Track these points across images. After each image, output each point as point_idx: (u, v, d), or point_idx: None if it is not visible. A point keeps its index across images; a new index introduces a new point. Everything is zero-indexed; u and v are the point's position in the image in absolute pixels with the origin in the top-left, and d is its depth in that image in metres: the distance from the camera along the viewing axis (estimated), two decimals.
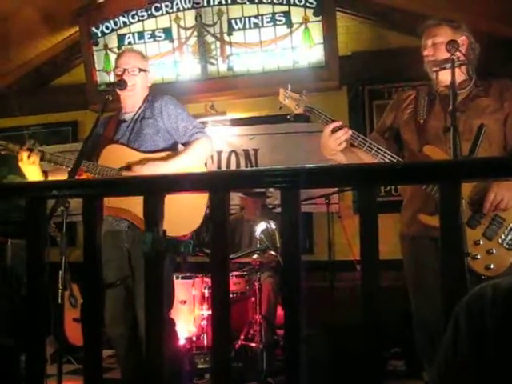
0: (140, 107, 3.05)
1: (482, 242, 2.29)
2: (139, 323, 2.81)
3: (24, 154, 2.79)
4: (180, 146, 3.09)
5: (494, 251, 2.27)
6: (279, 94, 2.59)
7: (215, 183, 1.16)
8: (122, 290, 2.88)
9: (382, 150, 2.38)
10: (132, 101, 3.04)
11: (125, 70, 2.97)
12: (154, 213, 1.15)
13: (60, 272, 2.71)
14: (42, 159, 2.82)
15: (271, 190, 1.26)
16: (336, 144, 2.41)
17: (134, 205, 2.68)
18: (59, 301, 2.79)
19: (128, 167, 2.85)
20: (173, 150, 3.02)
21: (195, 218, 2.92)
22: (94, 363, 1.30)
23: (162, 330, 1.27)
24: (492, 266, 2.26)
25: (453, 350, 0.87)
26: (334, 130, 2.40)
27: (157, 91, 3.23)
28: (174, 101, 3.06)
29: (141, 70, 3.01)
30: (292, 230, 1.16)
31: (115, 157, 2.88)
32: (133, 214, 2.77)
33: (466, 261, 1.73)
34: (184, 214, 2.75)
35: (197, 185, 1.22)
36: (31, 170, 2.83)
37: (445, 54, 2.37)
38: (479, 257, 2.27)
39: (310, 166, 1.13)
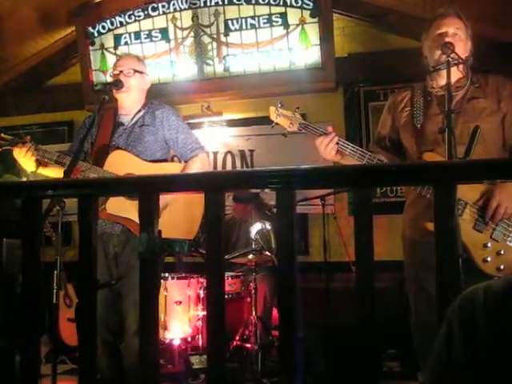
0: (139, 111, 3.06)
1: (490, 245, 2.28)
2: (126, 328, 2.80)
3: (17, 150, 2.81)
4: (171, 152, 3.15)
5: (503, 252, 2.27)
6: (270, 112, 2.56)
7: (210, 183, 1.16)
8: (109, 293, 2.83)
9: (375, 158, 2.38)
10: (128, 102, 3.04)
11: (120, 71, 3.00)
12: (149, 212, 1.15)
13: (55, 272, 2.70)
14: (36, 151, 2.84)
15: (266, 190, 1.26)
16: (328, 152, 2.43)
17: (135, 213, 2.69)
18: (54, 301, 2.78)
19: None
20: (167, 160, 3.08)
21: (194, 224, 2.95)
22: (89, 363, 1.30)
23: (155, 328, 1.27)
24: (502, 267, 2.26)
25: (447, 354, 0.86)
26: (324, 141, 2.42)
27: (153, 91, 3.24)
28: (175, 112, 3.12)
29: (136, 71, 3.03)
30: (287, 230, 1.16)
31: (120, 163, 2.87)
32: (133, 222, 2.76)
33: (460, 261, 1.73)
34: (183, 219, 2.78)
35: (192, 185, 1.23)
36: (26, 161, 2.85)
37: (460, 51, 2.36)
38: (489, 259, 2.27)
39: (306, 167, 1.13)
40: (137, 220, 2.70)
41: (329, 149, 2.41)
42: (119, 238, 2.87)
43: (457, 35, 2.42)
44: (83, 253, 1.26)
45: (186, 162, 3.08)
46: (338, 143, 2.41)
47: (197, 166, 3.02)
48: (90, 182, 1.54)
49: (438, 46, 2.39)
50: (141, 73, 3.07)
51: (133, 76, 3.02)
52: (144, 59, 5.42)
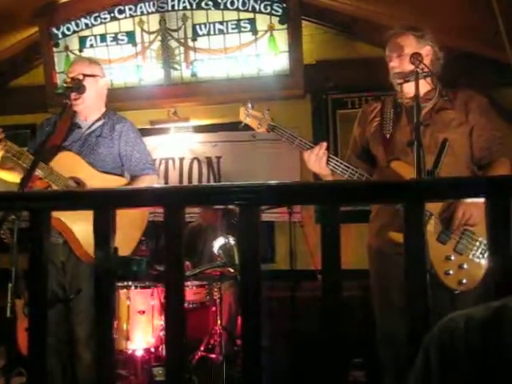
0: (98, 119, 3.00)
1: (453, 258, 2.27)
2: (77, 340, 2.78)
3: None
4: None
5: (466, 266, 2.26)
6: (240, 112, 2.54)
7: (170, 199, 1.11)
8: (59, 304, 2.77)
9: (357, 172, 2.35)
10: (83, 107, 2.96)
11: (72, 78, 2.91)
12: (104, 229, 1.09)
13: (9, 284, 2.59)
14: None
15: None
16: (318, 164, 2.39)
17: (78, 222, 2.69)
18: (8, 314, 2.67)
19: (79, 180, 2.84)
20: (117, 174, 3.00)
21: (134, 237, 2.93)
22: (40, 375, 1.23)
23: (111, 346, 1.22)
24: (464, 281, 2.25)
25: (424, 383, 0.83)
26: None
27: (119, 96, 3.17)
28: (135, 129, 3.07)
29: (86, 75, 2.93)
30: (250, 247, 1.11)
31: (68, 165, 2.83)
32: (73, 235, 2.74)
33: (427, 277, 1.71)
34: (123, 232, 2.75)
35: (151, 200, 1.17)
36: None
37: (410, 66, 2.36)
38: (451, 272, 2.26)
39: (272, 182, 1.09)
40: (75, 231, 2.66)
41: (319, 159, 2.37)
42: (63, 248, 2.82)
43: (401, 56, 2.44)
44: (33, 268, 1.19)
45: (132, 177, 3.04)
46: (327, 150, 2.38)
47: (143, 185, 2.96)
48: (42, 194, 1.46)
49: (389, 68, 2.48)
50: (92, 76, 2.97)
51: (84, 81, 2.91)
52: (110, 62, 5.31)
